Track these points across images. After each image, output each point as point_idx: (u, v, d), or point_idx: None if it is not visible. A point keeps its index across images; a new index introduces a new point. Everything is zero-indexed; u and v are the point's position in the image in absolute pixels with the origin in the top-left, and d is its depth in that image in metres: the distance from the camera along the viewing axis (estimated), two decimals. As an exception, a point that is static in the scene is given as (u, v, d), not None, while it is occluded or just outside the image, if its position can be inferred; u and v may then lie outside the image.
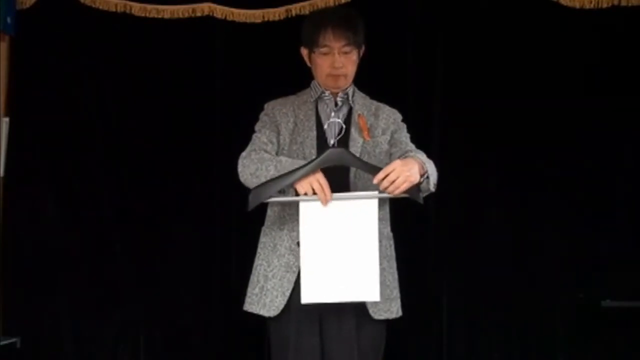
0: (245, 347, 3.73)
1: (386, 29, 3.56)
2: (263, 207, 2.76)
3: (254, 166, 2.66)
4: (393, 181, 2.50)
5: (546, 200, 3.62)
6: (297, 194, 2.61)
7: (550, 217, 3.62)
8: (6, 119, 3.71)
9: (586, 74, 3.60)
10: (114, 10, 3.73)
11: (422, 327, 3.66)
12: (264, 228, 2.81)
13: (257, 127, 2.82)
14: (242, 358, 3.77)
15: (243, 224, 3.40)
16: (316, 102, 2.81)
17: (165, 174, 3.76)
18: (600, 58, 3.59)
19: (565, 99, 3.60)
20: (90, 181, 3.74)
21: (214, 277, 3.76)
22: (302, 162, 2.61)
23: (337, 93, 2.80)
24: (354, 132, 2.76)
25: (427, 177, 2.60)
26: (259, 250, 2.80)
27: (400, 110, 2.88)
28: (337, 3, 3.65)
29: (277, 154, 2.74)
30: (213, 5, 3.73)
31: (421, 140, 2.89)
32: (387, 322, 2.76)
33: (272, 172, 2.62)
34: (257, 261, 2.79)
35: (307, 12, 3.60)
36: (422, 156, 2.67)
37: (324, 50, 2.71)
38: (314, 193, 2.57)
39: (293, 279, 2.68)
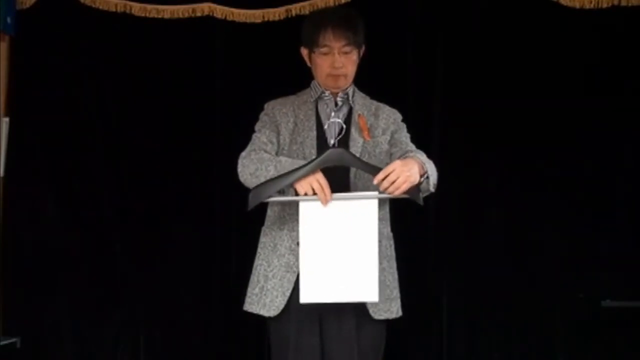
0: (245, 347, 3.73)
1: (386, 29, 3.56)
2: (263, 207, 2.76)
3: (254, 166, 2.66)
4: (393, 182, 2.50)
5: (546, 200, 3.62)
6: (297, 194, 2.61)
7: (550, 217, 3.62)
8: (6, 119, 3.71)
9: (586, 74, 3.59)
10: (114, 10, 3.73)
11: (422, 327, 3.66)
12: (264, 228, 2.81)
13: (257, 127, 2.82)
14: (242, 358, 3.77)
15: (243, 224, 3.40)
16: (316, 102, 2.81)
17: (165, 174, 3.76)
18: (600, 58, 3.59)
19: (565, 99, 3.59)
20: (90, 181, 3.74)
21: (214, 277, 3.76)
22: (302, 162, 2.61)
23: (337, 93, 2.80)
24: (354, 132, 2.76)
25: (427, 177, 2.60)
26: (259, 250, 2.80)
27: (400, 110, 2.88)
28: (337, 3, 3.65)
29: (277, 154, 2.74)
30: (213, 5, 3.73)
31: (421, 140, 2.89)
32: (387, 322, 2.76)
33: (272, 172, 2.62)
34: (257, 261, 2.79)
35: (307, 12, 3.60)
36: (422, 156, 2.67)
37: (324, 50, 2.71)
38: (314, 193, 2.57)
39: (293, 279, 2.68)
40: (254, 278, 2.78)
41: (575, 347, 3.62)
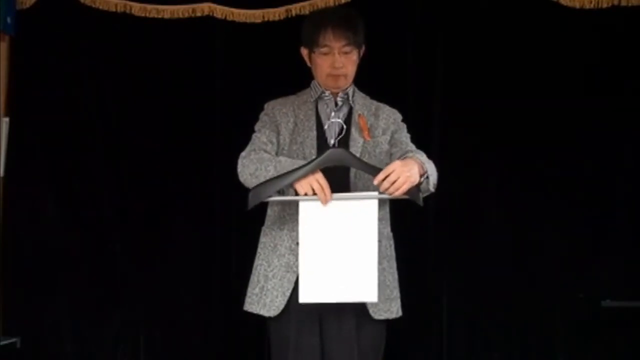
0: (245, 347, 3.73)
1: (386, 29, 3.56)
2: (263, 207, 2.76)
3: (254, 166, 2.66)
4: (393, 182, 2.50)
5: (546, 200, 3.62)
6: (296, 194, 2.61)
7: (550, 217, 3.62)
8: (6, 119, 3.71)
9: (586, 74, 3.59)
10: (114, 10, 3.72)
11: (422, 327, 3.66)
12: (264, 228, 2.81)
13: (257, 127, 2.82)
14: (242, 358, 3.77)
15: (243, 224, 3.40)
16: (316, 102, 2.81)
17: (165, 174, 3.76)
18: (600, 58, 3.59)
19: (565, 99, 3.59)
20: (90, 181, 3.74)
21: (214, 277, 3.76)
22: (302, 162, 2.61)
23: (337, 93, 2.80)
24: (354, 132, 2.76)
25: (427, 178, 2.60)
26: (259, 250, 2.80)
27: (400, 110, 2.88)
28: (337, 3, 3.65)
29: (277, 154, 2.74)
30: (213, 5, 3.72)
31: (421, 140, 2.89)
32: (387, 322, 2.76)
33: (272, 173, 2.62)
34: (257, 261, 2.79)
35: (307, 12, 3.60)
36: (421, 156, 2.67)
37: (324, 50, 2.71)
38: (314, 193, 2.57)
39: (293, 279, 2.68)
40: (254, 278, 2.78)
41: (575, 347, 3.62)
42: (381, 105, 2.86)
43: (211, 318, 3.76)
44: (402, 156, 2.67)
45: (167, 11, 3.73)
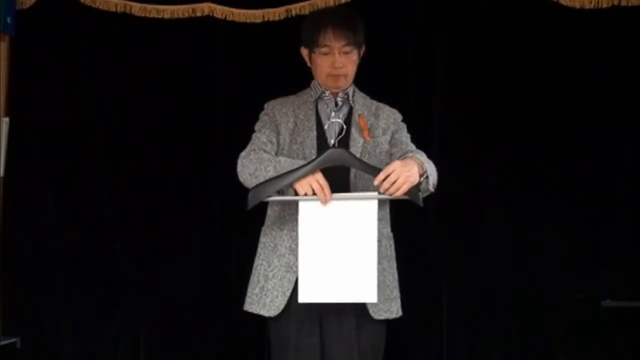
0: (245, 347, 3.73)
1: (386, 29, 3.56)
2: (263, 207, 2.76)
3: (253, 166, 2.66)
4: (393, 182, 2.50)
5: (546, 200, 3.62)
6: (296, 194, 2.61)
7: (550, 217, 3.62)
8: (6, 119, 3.71)
9: (586, 74, 3.59)
10: (114, 10, 3.72)
11: (422, 327, 3.66)
12: (264, 228, 2.81)
13: (256, 127, 2.82)
14: (242, 358, 3.77)
15: (243, 224, 3.40)
16: (316, 102, 2.81)
17: (165, 174, 3.76)
18: (600, 58, 3.59)
19: (565, 99, 3.59)
20: (90, 181, 3.74)
21: (214, 277, 3.76)
22: (302, 162, 2.61)
23: (337, 93, 2.80)
24: (354, 132, 2.76)
25: (427, 177, 2.60)
26: (259, 250, 2.80)
27: (400, 110, 2.88)
28: (337, 3, 3.65)
29: (276, 154, 2.74)
30: (213, 5, 3.72)
31: (421, 140, 2.89)
32: (387, 322, 2.76)
33: (271, 173, 2.62)
34: (257, 261, 2.79)
35: (307, 12, 3.60)
36: (421, 156, 2.67)
37: (324, 50, 2.71)
38: (314, 193, 2.57)
39: (293, 279, 2.68)
40: (254, 278, 2.78)
41: (575, 347, 3.62)
42: (381, 105, 2.86)
43: (211, 318, 3.77)
44: (402, 156, 2.67)
45: (167, 11, 3.73)
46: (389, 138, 2.79)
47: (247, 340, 3.70)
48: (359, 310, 2.68)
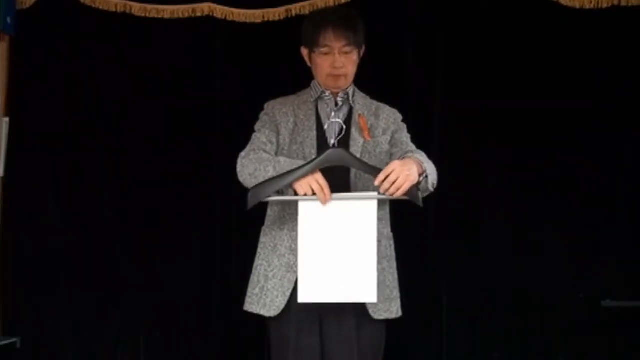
0: (245, 347, 3.73)
1: (386, 29, 3.56)
2: (263, 207, 2.76)
3: (253, 166, 2.66)
4: (394, 182, 2.50)
5: (546, 200, 3.62)
6: (296, 194, 2.61)
7: (550, 217, 3.62)
8: (6, 119, 3.71)
9: (586, 74, 3.60)
10: (114, 10, 3.72)
11: (422, 327, 3.66)
12: (264, 228, 2.81)
13: (256, 127, 2.82)
14: (242, 358, 3.77)
15: (243, 224, 3.40)
16: (316, 102, 2.81)
17: (165, 174, 3.76)
18: (600, 58, 3.59)
19: (565, 99, 3.60)
20: (90, 181, 3.73)
21: (214, 277, 3.76)
22: (301, 163, 2.61)
23: (338, 93, 2.80)
24: (354, 132, 2.76)
25: (426, 177, 2.60)
26: (259, 250, 2.80)
27: (400, 110, 2.88)
28: (337, 3, 3.65)
29: (276, 154, 2.74)
30: (213, 5, 3.72)
31: (421, 140, 2.89)
32: (387, 322, 2.76)
33: (271, 173, 2.62)
34: (258, 261, 2.79)
35: (307, 12, 3.60)
36: (421, 156, 2.67)
37: (324, 50, 2.71)
38: (314, 193, 2.57)
39: (293, 279, 2.68)
40: (254, 278, 2.78)
41: (575, 347, 3.62)
42: (381, 105, 2.86)
43: (211, 318, 3.76)
44: (402, 157, 2.67)
45: (167, 11, 3.73)
46: (389, 138, 2.79)
47: (247, 340, 3.70)
48: (359, 310, 2.68)
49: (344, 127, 2.77)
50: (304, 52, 2.80)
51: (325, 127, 2.78)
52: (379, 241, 2.61)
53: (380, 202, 2.64)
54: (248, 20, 3.73)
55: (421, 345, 3.70)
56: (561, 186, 3.61)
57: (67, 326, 3.71)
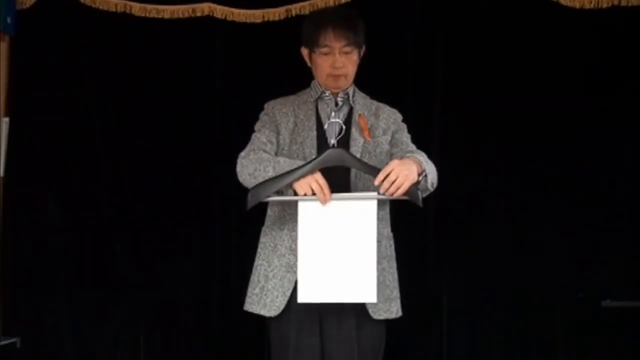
0: (245, 347, 3.73)
1: (386, 29, 3.56)
2: (263, 207, 2.76)
3: (253, 167, 2.66)
4: (393, 181, 2.50)
5: (546, 200, 3.62)
6: (296, 194, 2.61)
7: (550, 217, 3.62)
8: (6, 119, 3.71)
9: (586, 74, 3.60)
10: (114, 10, 3.72)
11: (422, 327, 3.66)
12: (264, 228, 2.81)
13: (256, 127, 2.81)
14: (242, 358, 3.77)
15: (243, 224, 3.40)
16: (316, 102, 2.81)
17: (165, 174, 3.76)
18: (600, 58, 3.59)
19: (565, 99, 3.60)
20: (90, 181, 3.74)
21: (214, 277, 3.76)
22: (301, 163, 2.61)
23: (338, 93, 2.80)
24: (354, 132, 2.76)
25: (425, 176, 2.60)
26: (259, 250, 2.80)
27: (400, 110, 2.88)
28: (337, 3, 3.65)
29: (276, 154, 2.74)
30: (213, 5, 3.72)
31: (421, 140, 2.89)
32: (387, 322, 2.76)
33: (271, 173, 2.62)
34: (258, 261, 2.79)
35: (307, 12, 3.60)
36: (420, 156, 2.66)
37: (324, 50, 2.71)
38: (313, 193, 2.57)
39: (293, 279, 2.67)
40: (254, 278, 2.78)
41: (575, 347, 3.62)
42: (381, 105, 2.86)
43: (211, 318, 3.76)
44: (401, 156, 2.67)
45: (167, 11, 3.73)
46: (389, 138, 2.79)
47: (247, 340, 3.70)
48: (359, 310, 2.67)
49: (344, 127, 2.77)
50: (304, 52, 2.80)
51: (325, 127, 2.77)
52: (379, 241, 2.61)
53: (380, 202, 2.64)
54: (248, 20, 3.73)
55: (421, 345, 3.70)
56: (561, 186, 3.61)
57: (67, 326, 3.72)
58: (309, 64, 2.81)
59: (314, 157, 2.65)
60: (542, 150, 3.62)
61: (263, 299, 2.72)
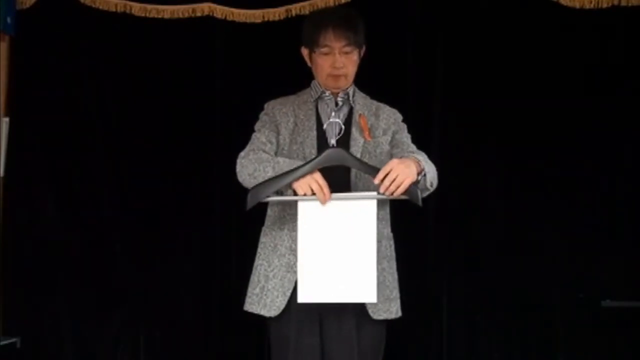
0: (245, 347, 3.73)
1: (386, 29, 3.56)
2: (263, 207, 2.76)
3: (252, 167, 2.66)
4: (394, 180, 2.50)
5: (546, 200, 3.62)
6: (296, 194, 2.61)
7: (550, 217, 3.62)
8: (6, 119, 3.71)
9: (586, 74, 3.60)
10: (114, 10, 3.73)
11: (422, 327, 3.66)
12: (264, 228, 2.81)
13: (256, 127, 2.81)
14: (242, 358, 3.77)
15: (243, 224, 3.40)
16: (316, 102, 2.81)
17: (165, 174, 3.76)
18: (600, 58, 3.59)
19: (565, 99, 3.59)
20: (90, 181, 3.74)
21: (214, 277, 3.76)
22: (300, 163, 2.61)
23: (338, 93, 2.80)
24: (354, 132, 2.76)
25: (424, 175, 2.60)
26: (259, 250, 2.80)
27: (400, 110, 2.88)
28: (337, 3, 3.65)
29: (276, 154, 2.74)
30: (213, 5, 3.73)
31: (421, 140, 2.89)
32: (387, 322, 2.76)
33: (270, 173, 2.62)
34: (258, 261, 2.79)
35: (307, 12, 3.60)
36: (420, 156, 2.66)
37: (324, 50, 2.71)
38: (313, 193, 2.57)
39: (294, 279, 2.67)
40: (254, 278, 2.78)
41: (575, 347, 3.61)
42: (381, 105, 2.86)
43: (211, 318, 3.76)
44: (401, 156, 2.67)
45: (167, 11, 3.73)
46: (389, 138, 2.79)
47: (247, 340, 3.70)
48: (359, 310, 2.67)
49: (343, 127, 2.77)
50: (304, 52, 2.80)
51: (325, 127, 2.77)
52: (379, 241, 2.61)
53: (381, 202, 2.64)
54: (248, 20, 3.73)
55: (421, 345, 3.70)
56: (561, 186, 3.61)
57: (67, 326, 3.72)
58: (309, 64, 2.81)
59: (313, 157, 2.65)
60: (542, 150, 3.62)
61: (263, 299, 2.72)
